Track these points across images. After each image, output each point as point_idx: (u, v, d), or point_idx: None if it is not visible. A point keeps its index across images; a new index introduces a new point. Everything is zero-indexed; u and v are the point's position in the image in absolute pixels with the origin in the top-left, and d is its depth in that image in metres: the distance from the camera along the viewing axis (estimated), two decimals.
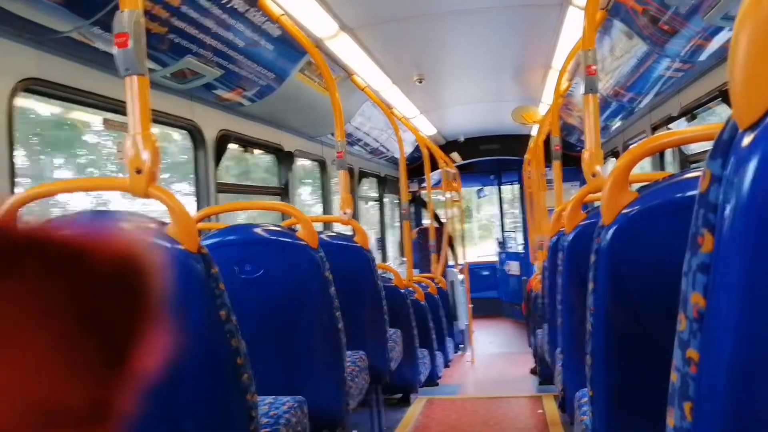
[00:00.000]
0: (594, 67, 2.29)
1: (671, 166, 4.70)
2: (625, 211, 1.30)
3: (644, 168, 5.19)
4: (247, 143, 4.52)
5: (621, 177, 1.31)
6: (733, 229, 0.49)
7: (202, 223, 2.99)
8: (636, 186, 1.36)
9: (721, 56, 3.24)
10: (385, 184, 8.55)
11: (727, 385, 0.50)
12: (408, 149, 7.77)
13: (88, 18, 2.33)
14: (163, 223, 1.49)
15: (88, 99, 2.82)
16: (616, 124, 5.72)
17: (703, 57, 3.31)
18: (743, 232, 0.48)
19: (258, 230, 2.36)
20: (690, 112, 4.10)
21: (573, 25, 3.92)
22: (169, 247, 1.45)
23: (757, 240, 0.48)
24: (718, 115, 3.88)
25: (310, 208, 6.44)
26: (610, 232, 1.30)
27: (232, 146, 4.25)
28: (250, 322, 2.31)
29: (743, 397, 0.49)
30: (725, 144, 0.52)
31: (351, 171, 6.97)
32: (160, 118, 3.41)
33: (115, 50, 1.47)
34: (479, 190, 11.34)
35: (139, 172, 1.49)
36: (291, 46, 3.59)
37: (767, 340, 0.47)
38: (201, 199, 3.79)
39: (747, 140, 0.48)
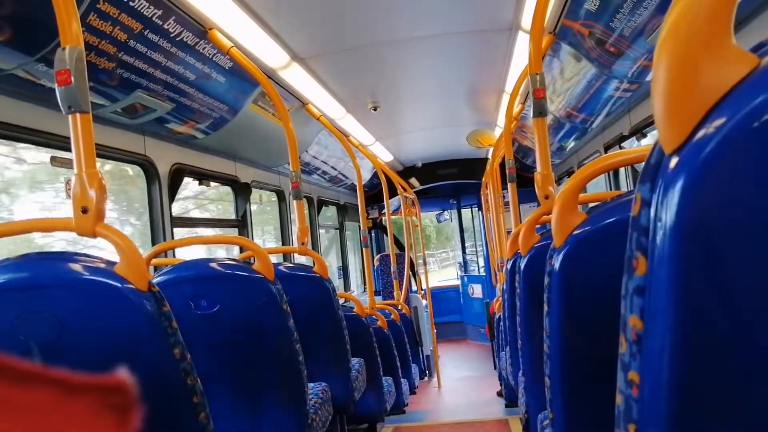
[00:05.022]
0: (542, 91, 2.33)
1: (625, 185, 4.79)
2: (576, 232, 1.31)
3: (600, 186, 5.29)
4: (203, 176, 4.47)
5: (569, 199, 1.32)
6: (663, 252, 0.50)
7: (157, 259, 2.93)
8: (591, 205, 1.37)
9: None
10: (345, 211, 8.53)
11: (668, 407, 0.50)
12: (366, 176, 7.78)
13: (33, 55, 2.29)
14: (112, 263, 1.46)
15: (34, 137, 2.76)
16: (571, 144, 5.82)
17: (649, 77, 3.40)
18: (672, 254, 0.49)
19: (213, 264, 2.32)
20: (640, 131, 4.19)
21: (523, 50, 3.99)
22: (118, 287, 1.42)
23: (685, 262, 0.48)
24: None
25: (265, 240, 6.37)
26: (562, 254, 1.31)
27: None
28: (208, 358, 2.25)
29: (684, 419, 0.49)
30: (653, 168, 0.52)
31: (310, 200, 6.95)
32: (112, 153, 3.35)
33: (56, 88, 1.44)
34: (439, 215, 11.41)
35: (85, 211, 1.45)
36: (243, 77, 3.58)
37: (703, 361, 0.48)
38: (155, 235, 3.72)
39: (672, 164, 0.49)
